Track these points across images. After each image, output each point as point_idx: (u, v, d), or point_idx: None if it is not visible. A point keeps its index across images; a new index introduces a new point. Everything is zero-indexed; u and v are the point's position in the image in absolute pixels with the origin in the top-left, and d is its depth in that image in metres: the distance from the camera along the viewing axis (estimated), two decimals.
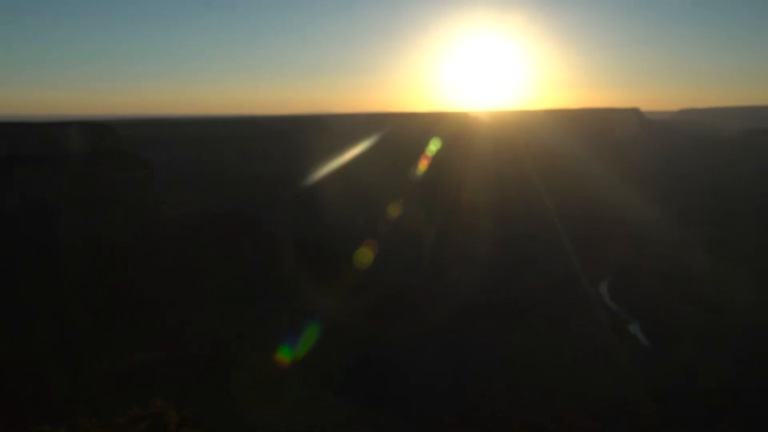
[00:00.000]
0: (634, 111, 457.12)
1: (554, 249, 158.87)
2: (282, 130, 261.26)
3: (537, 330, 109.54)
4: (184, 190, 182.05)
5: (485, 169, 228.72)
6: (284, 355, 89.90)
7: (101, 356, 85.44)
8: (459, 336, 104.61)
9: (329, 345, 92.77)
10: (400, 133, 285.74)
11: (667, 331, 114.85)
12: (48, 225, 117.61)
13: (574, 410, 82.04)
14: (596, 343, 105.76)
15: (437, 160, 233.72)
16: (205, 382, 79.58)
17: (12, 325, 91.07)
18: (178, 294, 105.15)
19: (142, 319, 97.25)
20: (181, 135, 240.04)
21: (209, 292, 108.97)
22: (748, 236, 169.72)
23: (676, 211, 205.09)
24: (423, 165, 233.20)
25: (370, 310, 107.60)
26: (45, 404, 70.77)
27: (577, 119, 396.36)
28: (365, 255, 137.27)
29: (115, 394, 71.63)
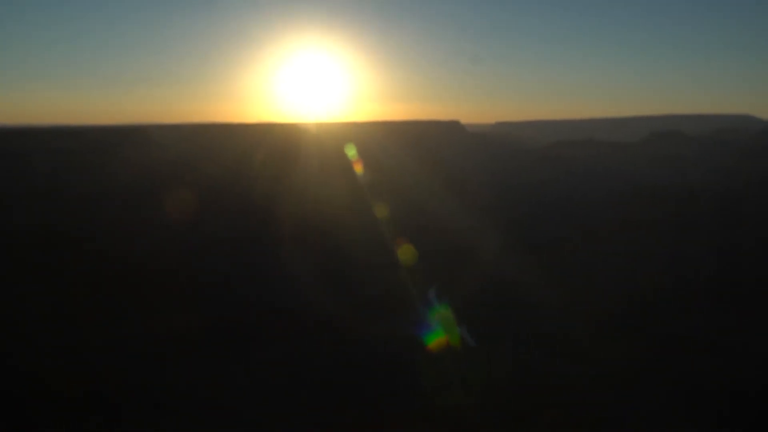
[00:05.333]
0: (455, 123, 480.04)
1: (382, 259, 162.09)
2: (102, 141, 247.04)
3: (369, 335, 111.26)
4: None
5: (314, 180, 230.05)
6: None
7: None
8: (297, 345, 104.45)
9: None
10: (227, 143, 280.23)
11: (491, 331, 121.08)
12: None
13: (401, 412, 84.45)
14: (425, 346, 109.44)
15: (267, 173, 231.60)
16: None
17: None
18: None
19: None
20: None
21: (16, 318, 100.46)
22: (562, 240, 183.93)
23: (497, 218, 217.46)
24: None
25: (193, 335, 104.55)
26: None
27: (401, 131, 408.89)
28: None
29: None
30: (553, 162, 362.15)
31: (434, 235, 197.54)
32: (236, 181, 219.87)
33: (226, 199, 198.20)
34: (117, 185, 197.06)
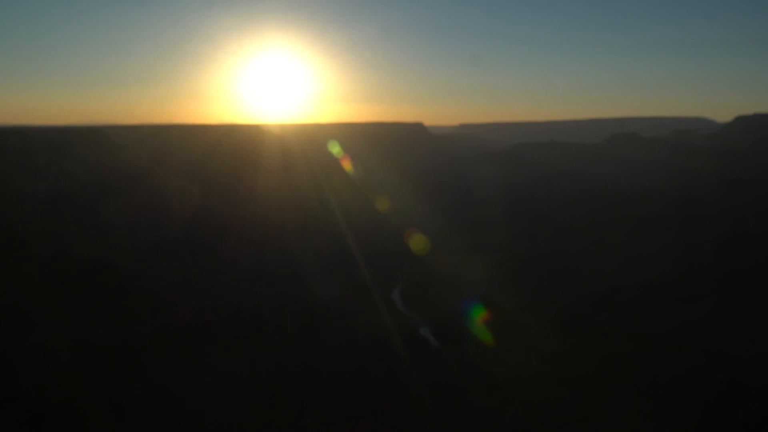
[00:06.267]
0: (419, 125, 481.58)
1: (347, 260, 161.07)
2: (57, 141, 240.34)
3: (330, 338, 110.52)
4: None
5: (277, 182, 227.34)
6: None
7: None
8: (254, 349, 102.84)
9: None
10: (189, 144, 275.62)
11: (454, 332, 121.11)
12: None
13: (366, 414, 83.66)
14: (389, 347, 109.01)
15: (228, 174, 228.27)
16: None
17: None
18: None
19: None
20: None
21: None
22: (529, 239, 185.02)
23: (460, 219, 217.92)
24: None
25: (159, 338, 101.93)
26: None
27: (365, 132, 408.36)
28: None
29: None
30: (517, 163, 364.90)
31: (397, 235, 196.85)
32: (196, 182, 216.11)
33: (187, 200, 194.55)
34: (74, 186, 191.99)
